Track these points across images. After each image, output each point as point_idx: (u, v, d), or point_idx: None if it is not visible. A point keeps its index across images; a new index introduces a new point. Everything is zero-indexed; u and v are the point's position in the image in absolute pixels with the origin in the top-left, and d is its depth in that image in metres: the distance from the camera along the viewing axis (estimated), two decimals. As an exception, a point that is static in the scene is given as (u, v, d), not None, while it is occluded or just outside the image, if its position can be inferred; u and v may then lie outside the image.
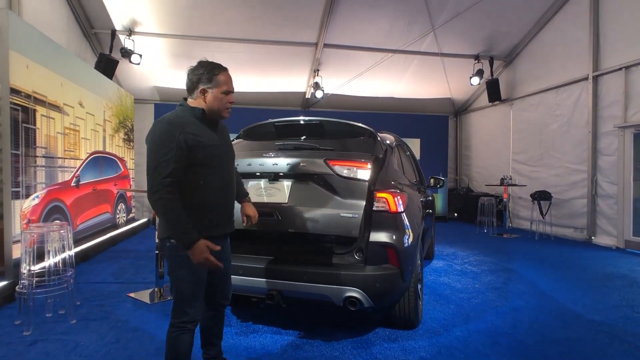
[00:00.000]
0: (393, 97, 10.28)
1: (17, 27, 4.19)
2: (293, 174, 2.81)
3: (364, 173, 2.71)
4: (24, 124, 4.30)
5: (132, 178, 8.33)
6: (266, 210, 2.68)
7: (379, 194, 2.69)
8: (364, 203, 2.63)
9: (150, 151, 1.83)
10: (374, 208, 2.67)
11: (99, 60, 7.48)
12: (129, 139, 8.08)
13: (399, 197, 2.76)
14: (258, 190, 2.88)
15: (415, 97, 10.44)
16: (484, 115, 10.47)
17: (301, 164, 2.77)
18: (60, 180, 5.15)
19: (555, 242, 7.31)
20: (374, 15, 7.59)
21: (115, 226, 7.15)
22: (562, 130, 7.86)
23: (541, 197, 7.76)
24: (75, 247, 5.40)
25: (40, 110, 4.63)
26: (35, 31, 4.60)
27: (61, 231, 3.36)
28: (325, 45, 8.27)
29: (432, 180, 5.20)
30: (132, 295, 3.93)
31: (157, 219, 3.48)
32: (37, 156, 4.57)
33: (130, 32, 7.56)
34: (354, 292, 2.55)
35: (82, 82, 5.80)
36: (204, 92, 1.95)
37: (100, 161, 6.59)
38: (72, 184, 5.49)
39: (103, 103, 6.71)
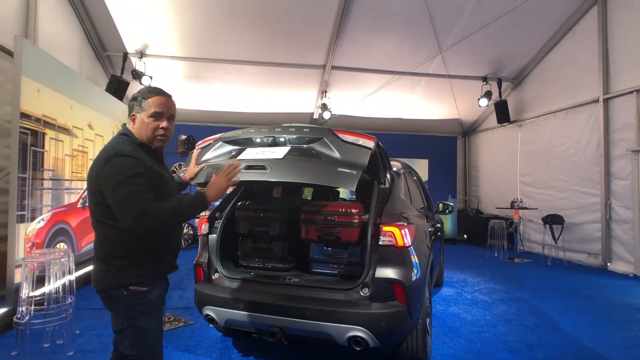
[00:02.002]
0: (401, 118, 10.26)
1: (31, 53, 4.26)
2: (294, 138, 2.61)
3: (369, 142, 2.53)
4: (33, 147, 4.32)
5: (139, 197, 8.31)
6: (259, 164, 2.42)
7: (385, 228, 2.61)
8: (365, 164, 2.40)
9: (119, 183, 1.59)
10: (380, 242, 2.59)
11: (110, 82, 7.58)
12: (137, 159, 8.10)
13: (406, 230, 2.67)
14: (252, 154, 2.62)
15: (423, 118, 10.40)
16: (493, 136, 10.38)
17: (304, 129, 2.61)
18: (66, 202, 5.15)
19: (568, 268, 7.10)
20: (381, 38, 7.63)
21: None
22: (570, 152, 7.73)
23: (553, 220, 7.59)
24: (79, 269, 5.37)
25: (50, 133, 4.66)
26: (48, 56, 4.66)
27: (62, 259, 3.31)
28: (333, 67, 8.31)
29: (440, 206, 5.11)
30: (133, 323, 3.84)
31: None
32: (44, 179, 4.58)
33: (141, 54, 7.67)
34: (359, 332, 2.44)
35: (91, 104, 5.86)
36: (133, 118, 1.81)
37: (108, 182, 6.59)
38: (78, 206, 5.48)
39: (113, 124, 6.76)
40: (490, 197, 10.44)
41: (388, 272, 2.56)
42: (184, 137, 8.07)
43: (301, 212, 2.98)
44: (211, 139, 2.76)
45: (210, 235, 3.00)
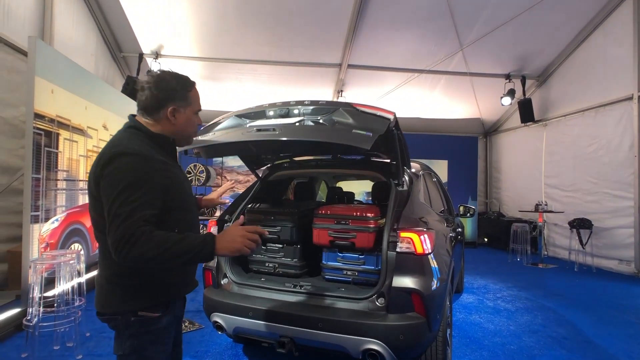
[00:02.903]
0: (419, 117, 10.01)
1: (45, 54, 4.25)
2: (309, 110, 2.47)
3: (388, 115, 2.35)
4: (47, 148, 4.31)
5: (156, 198, 8.33)
6: (268, 127, 2.32)
7: (403, 234, 2.44)
8: (383, 130, 2.22)
9: (117, 193, 1.32)
10: (398, 249, 2.41)
11: (126, 82, 7.60)
12: (153, 159, 8.12)
13: (425, 237, 2.49)
14: (265, 123, 2.51)
15: (443, 118, 10.12)
16: (516, 136, 10.01)
17: (320, 102, 2.47)
18: (81, 203, 5.14)
19: (597, 275, 6.74)
20: (398, 35, 7.42)
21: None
22: (600, 153, 7.34)
23: (581, 225, 7.23)
24: (93, 270, 5.36)
25: (64, 134, 4.65)
26: (62, 57, 4.66)
27: (71, 262, 3.25)
28: (349, 66, 8.14)
29: (461, 209, 4.90)
30: (143, 327, 3.77)
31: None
32: (59, 179, 4.57)
33: (157, 55, 7.67)
34: (374, 345, 2.28)
35: (106, 105, 5.85)
36: (174, 112, 1.52)
37: (123, 182, 6.59)
38: (93, 206, 5.47)
39: (128, 124, 6.76)
40: (513, 199, 10.07)
41: (406, 282, 2.38)
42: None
43: (313, 215, 2.83)
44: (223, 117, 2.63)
45: (219, 239, 2.88)
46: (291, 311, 2.46)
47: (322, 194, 5.11)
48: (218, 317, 2.67)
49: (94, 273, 5.36)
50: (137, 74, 7.75)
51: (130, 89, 7.53)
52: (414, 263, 2.42)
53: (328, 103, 2.42)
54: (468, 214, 4.89)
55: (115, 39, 7.44)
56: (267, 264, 2.97)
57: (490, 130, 10.87)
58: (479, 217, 10.29)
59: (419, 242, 2.43)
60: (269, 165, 3.43)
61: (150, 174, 1.37)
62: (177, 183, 1.49)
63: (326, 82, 8.69)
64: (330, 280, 2.81)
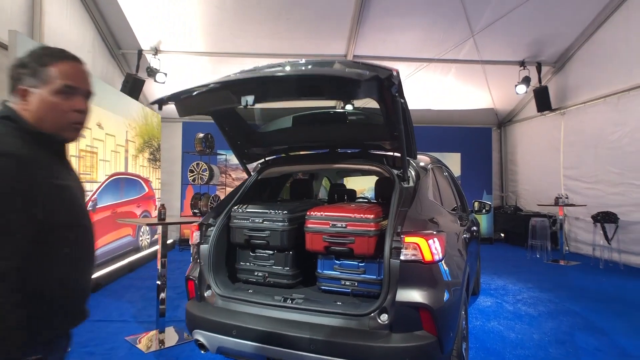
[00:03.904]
0: (430, 109, 9.57)
1: (27, 48, 3.99)
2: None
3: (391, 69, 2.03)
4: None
5: (158, 198, 8.12)
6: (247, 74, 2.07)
7: (407, 239, 2.09)
8: (382, 78, 1.91)
9: None
10: (402, 257, 2.07)
11: (126, 80, 7.39)
12: (154, 159, 7.90)
13: (435, 241, 2.14)
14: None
15: (455, 109, 9.67)
16: (532, 126, 9.51)
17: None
18: (72, 206, 4.90)
19: (626, 273, 6.27)
20: (406, 23, 7.02)
21: (138, 249, 6.89)
22: (624, 142, 6.84)
23: (605, 219, 6.76)
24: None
25: (49, 134, 4.41)
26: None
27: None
28: (355, 57, 7.76)
29: (476, 205, 4.51)
30: (129, 339, 3.51)
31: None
32: (45, 182, 4.33)
33: (156, 51, 7.42)
34: (375, 370, 1.94)
35: (101, 103, 5.61)
36: (25, 93, 1.18)
37: (122, 183, 6.37)
38: (88, 208, 5.23)
39: (126, 123, 6.53)
40: (530, 192, 9.59)
41: (413, 295, 2.04)
42: (201, 135, 7.73)
43: (305, 217, 2.50)
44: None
45: (201, 246, 2.57)
46: (279, 330, 2.14)
47: (325, 186, 4.77)
48: (200, 335, 2.37)
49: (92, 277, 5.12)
50: (137, 71, 7.51)
51: (130, 86, 7.31)
52: (421, 273, 2.07)
53: (325, 60, 2.12)
54: (483, 210, 4.50)
55: (113, 36, 7.20)
56: (256, 273, 2.66)
57: (504, 120, 10.38)
58: (495, 212, 9.85)
59: (426, 247, 2.09)
60: (261, 161, 3.10)
61: (16, 190, 1.05)
62: (63, 198, 1.19)
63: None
64: (326, 291, 2.48)
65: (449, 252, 2.33)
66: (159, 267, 3.54)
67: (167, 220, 3.49)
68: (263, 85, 1.97)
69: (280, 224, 2.55)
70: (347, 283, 2.42)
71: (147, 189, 7.46)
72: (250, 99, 1.89)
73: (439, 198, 2.86)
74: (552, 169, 8.71)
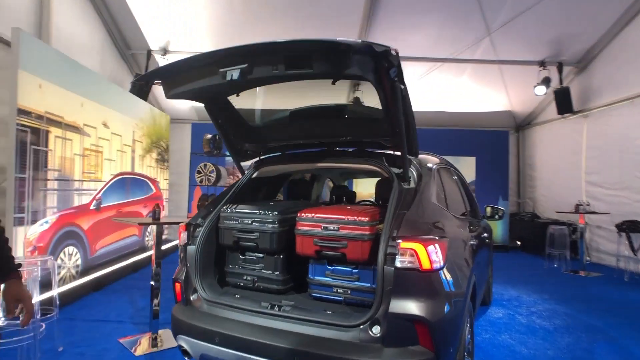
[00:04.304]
0: (444, 111, 9.31)
1: (30, 46, 3.98)
2: None
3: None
4: (34, 146, 4.03)
5: (166, 199, 8.09)
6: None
7: (404, 244, 1.91)
8: (379, 50, 1.76)
9: None
10: (397, 264, 1.89)
11: (134, 81, 7.38)
12: (162, 159, 7.87)
13: (435, 247, 1.95)
14: None
15: (470, 111, 9.37)
16: (551, 129, 9.13)
17: None
18: (76, 204, 4.87)
19: (652, 287, 5.89)
20: (418, 21, 6.81)
21: (144, 249, 6.85)
22: (653, 147, 6.46)
23: (631, 228, 6.38)
24: (92, 273, 5.10)
25: (55, 132, 4.38)
26: (51, 50, 4.40)
27: (34, 273, 2.90)
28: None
29: (488, 210, 4.27)
30: (122, 341, 3.41)
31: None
32: (48, 179, 4.29)
33: (165, 51, 7.40)
34: (364, 389, 1.77)
35: (107, 102, 5.58)
36: None
37: (127, 182, 6.34)
38: (91, 207, 5.20)
39: (133, 123, 6.51)
40: (548, 199, 9.20)
41: (408, 306, 1.86)
42: (209, 136, 7.66)
43: (295, 219, 2.35)
44: None
45: (188, 247, 2.44)
46: (263, 339, 1.98)
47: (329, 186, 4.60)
48: (183, 341, 2.24)
49: (94, 276, 5.10)
50: (146, 71, 7.51)
51: (138, 87, 7.30)
52: (418, 282, 1.89)
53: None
54: (496, 216, 4.26)
55: (123, 36, 7.21)
56: (245, 277, 2.51)
57: (522, 123, 10.02)
58: (511, 219, 9.49)
59: (424, 254, 1.90)
60: (255, 160, 2.96)
61: None
62: None
63: (340, 91, 8.17)
64: (318, 298, 2.32)
65: (452, 260, 2.13)
66: (153, 267, 3.44)
67: (163, 220, 3.38)
68: (248, 57, 1.83)
69: (270, 225, 2.40)
70: (340, 290, 2.24)
71: (154, 190, 7.43)
72: (235, 73, 1.76)
73: (444, 201, 2.66)
74: (572, 174, 8.33)
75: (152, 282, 3.43)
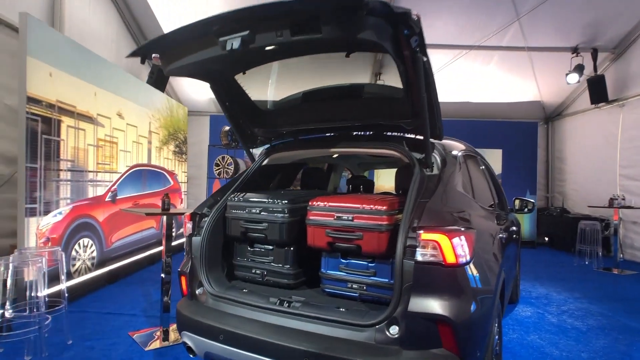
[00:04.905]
0: (469, 101, 8.93)
1: (39, 32, 3.91)
2: None
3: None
4: (45, 135, 3.99)
5: (185, 192, 8.06)
6: None
7: (425, 235, 1.71)
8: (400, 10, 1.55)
9: None
10: (418, 258, 1.69)
11: (151, 71, 7.32)
12: (180, 152, 7.83)
13: (460, 239, 1.74)
14: None
15: (497, 101, 8.97)
16: (583, 120, 8.65)
17: None
18: (90, 195, 4.84)
19: (694, 286, 5.47)
20: (442, 5, 6.49)
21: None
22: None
23: (670, 224, 5.94)
24: (108, 265, 5.08)
25: (67, 121, 4.33)
26: (62, 37, 4.34)
27: (38, 264, 2.82)
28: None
29: (516, 203, 4.00)
30: (132, 334, 3.32)
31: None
32: (61, 170, 4.26)
33: (182, 41, 7.33)
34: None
35: (122, 92, 5.54)
36: None
37: (144, 174, 6.31)
38: (106, 199, 5.17)
39: (149, 114, 6.47)
40: (579, 193, 8.75)
41: (429, 304, 1.66)
42: (227, 128, 7.54)
43: (307, 208, 2.17)
44: None
45: (194, 238, 2.30)
46: (270, 338, 1.82)
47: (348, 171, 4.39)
48: (187, 338, 2.10)
49: (110, 268, 5.07)
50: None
51: (155, 77, 7.25)
52: (441, 278, 1.69)
53: None
54: (525, 209, 3.98)
55: (138, 25, 7.17)
56: (253, 270, 2.35)
57: (552, 114, 9.53)
58: (539, 214, 9.07)
59: (449, 247, 1.69)
60: (267, 146, 2.79)
61: None
62: None
63: (362, 66, 7.89)
64: (331, 294, 2.14)
65: (480, 254, 1.92)
66: (164, 259, 3.33)
67: (173, 211, 3.27)
68: (248, 22, 1.66)
69: (280, 215, 2.23)
70: (355, 286, 2.06)
71: (172, 182, 7.39)
72: (235, 41, 1.59)
73: (471, 191, 2.43)
74: (606, 167, 7.87)
75: (162, 275, 3.33)
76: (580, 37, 7.17)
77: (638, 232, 7.14)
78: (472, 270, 1.78)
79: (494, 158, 8.68)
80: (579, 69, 7.36)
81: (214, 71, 2.26)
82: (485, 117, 9.22)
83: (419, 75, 1.82)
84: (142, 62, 1.98)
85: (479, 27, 6.85)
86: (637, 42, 7.06)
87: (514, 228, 3.55)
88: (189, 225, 2.33)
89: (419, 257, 1.69)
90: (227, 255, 2.47)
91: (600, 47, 7.35)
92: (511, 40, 7.14)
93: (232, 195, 2.41)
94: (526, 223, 8.70)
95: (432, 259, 1.69)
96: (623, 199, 6.81)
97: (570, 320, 4.01)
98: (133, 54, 1.96)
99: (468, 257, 1.76)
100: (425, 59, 1.80)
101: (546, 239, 8.98)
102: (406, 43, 1.66)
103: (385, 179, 7.89)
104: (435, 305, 1.66)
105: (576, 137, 8.96)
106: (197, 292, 2.24)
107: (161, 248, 6.77)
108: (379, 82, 7.95)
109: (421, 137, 2.11)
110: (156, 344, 3.13)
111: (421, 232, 1.72)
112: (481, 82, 8.34)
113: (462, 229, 1.82)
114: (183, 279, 2.33)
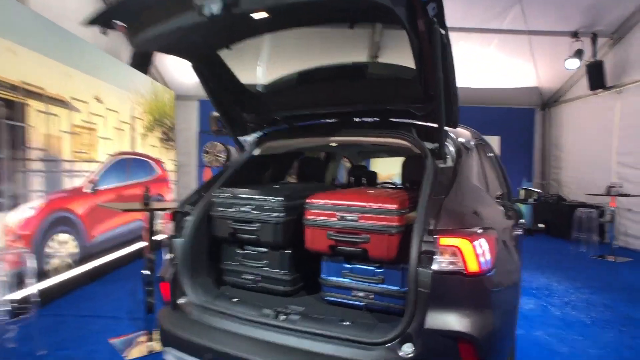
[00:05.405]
0: (467, 87, 8.65)
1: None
2: None
3: None
4: (8, 121, 3.61)
5: (174, 181, 7.73)
6: None
7: (444, 240, 1.47)
8: None
9: None
10: (435, 267, 1.45)
11: (134, 52, 6.91)
12: (167, 139, 7.47)
13: (482, 243, 1.51)
14: None
15: (495, 87, 8.74)
16: (581, 107, 8.49)
17: None
18: (68, 187, 4.50)
19: (692, 275, 5.40)
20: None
21: (152, 235, 6.51)
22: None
23: (670, 212, 5.84)
24: (90, 261, 4.79)
25: (35, 105, 3.95)
26: (26, 10, 3.93)
27: None
28: (385, 27, 6.99)
29: (522, 193, 3.81)
30: (113, 341, 3.06)
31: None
32: (30, 159, 3.90)
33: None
34: None
35: (100, 74, 5.16)
36: None
37: (128, 163, 5.97)
38: (85, 190, 4.84)
39: (131, 98, 6.09)
40: (575, 181, 8.65)
41: (449, 320, 1.43)
42: (216, 113, 7.22)
43: (304, 206, 1.91)
44: None
45: (175, 240, 2.02)
46: (264, 358, 1.57)
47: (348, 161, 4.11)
48: (170, 355, 1.85)
49: (92, 265, 4.77)
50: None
51: (137, 59, 6.85)
52: (463, 289, 1.46)
53: None
54: (530, 200, 3.79)
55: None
56: (244, 276, 2.09)
57: (550, 100, 9.35)
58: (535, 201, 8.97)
59: (471, 253, 1.46)
60: (260, 134, 2.51)
61: None
62: None
63: (357, 48, 7.56)
64: (333, 302, 1.90)
65: (502, 259, 1.68)
66: (146, 254, 3.07)
67: (155, 206, 2.99)
68: None
69: (274, 214, 1.96)
70: (360, 294, 1.82)
71: (159, 171, 7.06)
72: (215, 5, 1.31)
73: (485, 184, 2.20)
74: (602, 155, 7.76)
75: (144, 272, 3.07)
76: (580, 21, 6.93)
77: (632, 219, 7.09)
78: (495, 278, 1.55)
79: (492, 145, 8.50)
80: (579, 53, 7.16)
81: (192, 44, 1.95)
82: (484, 103, 9.01)
83: (435, 51, 1.56)
84: (103, 31, 1.66)
85: (480, 9, 6.57)
86: (636, 27, 6.85)
87: (522, 221, 3.35)
88: (170, 225, 2.06)
89: (437, 266, 1.45)
90: (215, 258, 2.21)
91: (599, 32, 7.15)
92: (512, 23, 6.87)
93: (219, 191, 2.13)
94: (523, 210, 8.59)
95: (451, 267, 1.45)
96: (621, 187, 6.72)
97: (573, 313, 3.90)
98: (91, 22, 1.64)
99: (491, 264, 1.53)
100: (443, 31, 1.53)
101: (542, 226, 8.90)
102: (422, 10, 1.39)
103: (381, 167, 7.66)
104: (455, 321, 1.43)
105: (573, 124, 8.82)
106: (180, 301, 1.97)
107: (155, 237, 6.47)
108: (380, 43, 7.60)
109: (435, 125, 1.85)
110: (138, 352, 2.87)
111: (439, 236, 1.47)
112: (480, 67, 8.09)
113: (483, 230, 1.58)
114: (165, 286, 2.06)
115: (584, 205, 7.64)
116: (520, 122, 8.91)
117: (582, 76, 7.80)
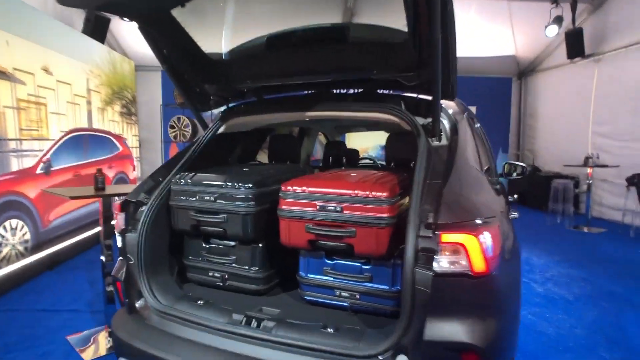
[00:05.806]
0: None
1: None
2: None
3: None
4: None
5: (138, 158, 7.26)
6: None
7: (446, 236, 1.24)
8: None
9: None
10: (437, 269, 1.23)
11: (87, 19, 6.25)
12: (129, 113, 6.94)
13: (486, 237, 1.28)
14: None
15: (471, 56, 8.50)
16: (558, 76, 8.41)
17: None
18: (15, 169, 4.05)
19: (663, 244, 5.52)
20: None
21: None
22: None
23: (643, 182, 5.91)
24: (46, 248, 4.40)
25: (-32, 77, 3.46)
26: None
27: None
28: (359, -9, 6.57)
29: (506, 167, 3.65)
30: (70, 339, 2.77)
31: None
32: (-33, 139, 3.45)
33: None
34: None
35: (48, 43, 4.59)
36: None
37: (85, 140, 5.48)
38: (37, 172, 4.38)
39: (86, 69, 5.53)
40: (550, 151, 8.68)
41: (453, 330, 1.22)
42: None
43: (279, 194, 1.63)
44: None
45: (128, 235, 1.72)
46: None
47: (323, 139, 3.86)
48: (124, 369, 1.59)
49: (48, 252, 4.39)
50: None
51: (92, 26, 6.21)
52: (468, 292, 1.24)
53: None
54: (514, 174, 3.63)
55: (67, -37, 5.99)
56: (211, 273, 1.83)
57: (526, 70, 9.24)
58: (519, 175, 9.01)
59: (477, 250, 1.24)
60: (223, 108, 2.18)
61: None
62: None
63: (328, 12, 7.14)
64: (312, 302, 1.67)
65: (505, 251, 1.48)
66: (102, 241, 2.76)
67: (110, 191, 2.64)
68: None
69: (243, 203, 1.69)
70: (345, 294, 1.59)
71: (120, 147, 6.57)
72: None
73: (479, 164, 1.97)
74: (578, 124, 7.74)
75: (102, 258, 2.77)
76: (562, -15, 6.72)
77: (606, 189, 7.16)
78: (501, 277, 1.35)
79: (469, 116, 8.38)
80: (558, 20, 6.97)
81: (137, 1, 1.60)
82: (461, 72, 8.73)
83: (434, 7, 1.27)
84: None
85: (460, -30, 6.23)
86: (618, -9, 6.70)
87: (511, 199, 3.18)
88: (121, 217, 1.74)
89: (438, 267, 1.23)
90: (177, 252, 1.92)
91: (579, -3, 6.95)
92: (492, -13, 6.60)
93: (178, 177, 1.82)
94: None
95: (455, 268, 1.23)
96: (597, 157, 6.74)
97: (555, 289, 3.85)
98: None
99: (497, 262, 1.32)
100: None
101: (515, 196, 8.96)
102: None
103: (356, 140, 7.39)
104: (459, 331, 1.22)
105: (549, 94, 8.76)
106: (137, 304, 1.70)
107: (112, 222, 6.10)
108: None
109: (428, 97, 1.59)
110: (98, 351, 2.59)
111: (441, 232, 1.24)
112: (459, 33, 7.80)
113: (487, 222, 1.36)
114: (118, 286, 1.78)
115: (559, 176, 7.69)
116: (498, 91, 8.79)
117: (560, 44, 7.68)
